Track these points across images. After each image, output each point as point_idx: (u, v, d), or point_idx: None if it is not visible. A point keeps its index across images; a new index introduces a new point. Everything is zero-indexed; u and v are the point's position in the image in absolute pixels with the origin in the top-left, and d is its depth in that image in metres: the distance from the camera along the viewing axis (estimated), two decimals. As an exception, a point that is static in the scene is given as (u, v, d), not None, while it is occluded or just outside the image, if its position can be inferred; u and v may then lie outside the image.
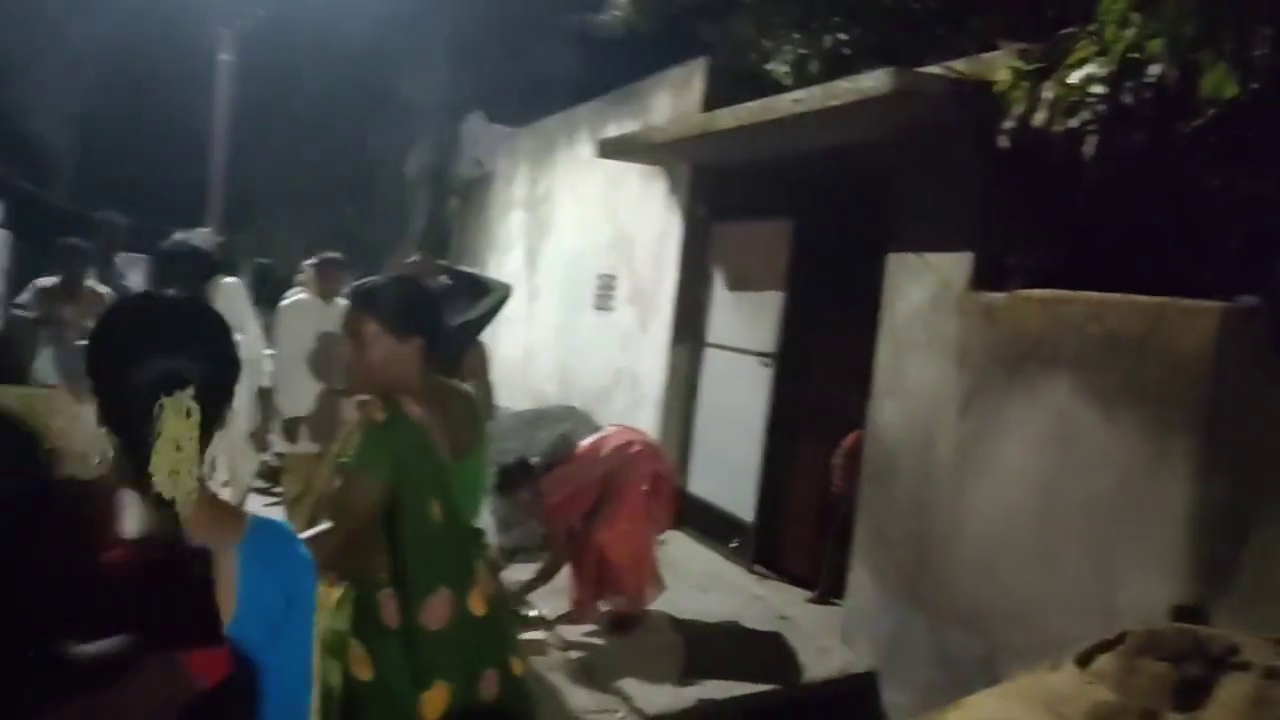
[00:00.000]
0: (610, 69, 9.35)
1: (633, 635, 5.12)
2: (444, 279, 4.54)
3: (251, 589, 1.42)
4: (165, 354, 1.36)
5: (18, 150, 17.13)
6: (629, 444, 5.37)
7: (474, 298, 4.57)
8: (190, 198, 12.60)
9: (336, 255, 6.27)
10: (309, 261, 7.45)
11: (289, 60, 12.99)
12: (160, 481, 1.28)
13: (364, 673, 2.38)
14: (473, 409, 2.83)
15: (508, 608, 2.85)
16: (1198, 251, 3.77)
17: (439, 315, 2.68)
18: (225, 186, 11.33)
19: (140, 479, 1.28)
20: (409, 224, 13.26)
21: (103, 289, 6.41)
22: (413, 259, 4.72)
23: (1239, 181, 3.54)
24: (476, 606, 2.46)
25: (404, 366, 2.51)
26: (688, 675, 4.70)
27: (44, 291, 6.16)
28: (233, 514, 1.49)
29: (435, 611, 2.37)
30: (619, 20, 6.57)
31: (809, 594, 5.78)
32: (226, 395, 1.43)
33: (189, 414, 1.33)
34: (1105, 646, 2.79)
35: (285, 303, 5.89)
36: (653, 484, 5.35)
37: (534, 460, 5.30)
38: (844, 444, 5.60)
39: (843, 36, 6.55)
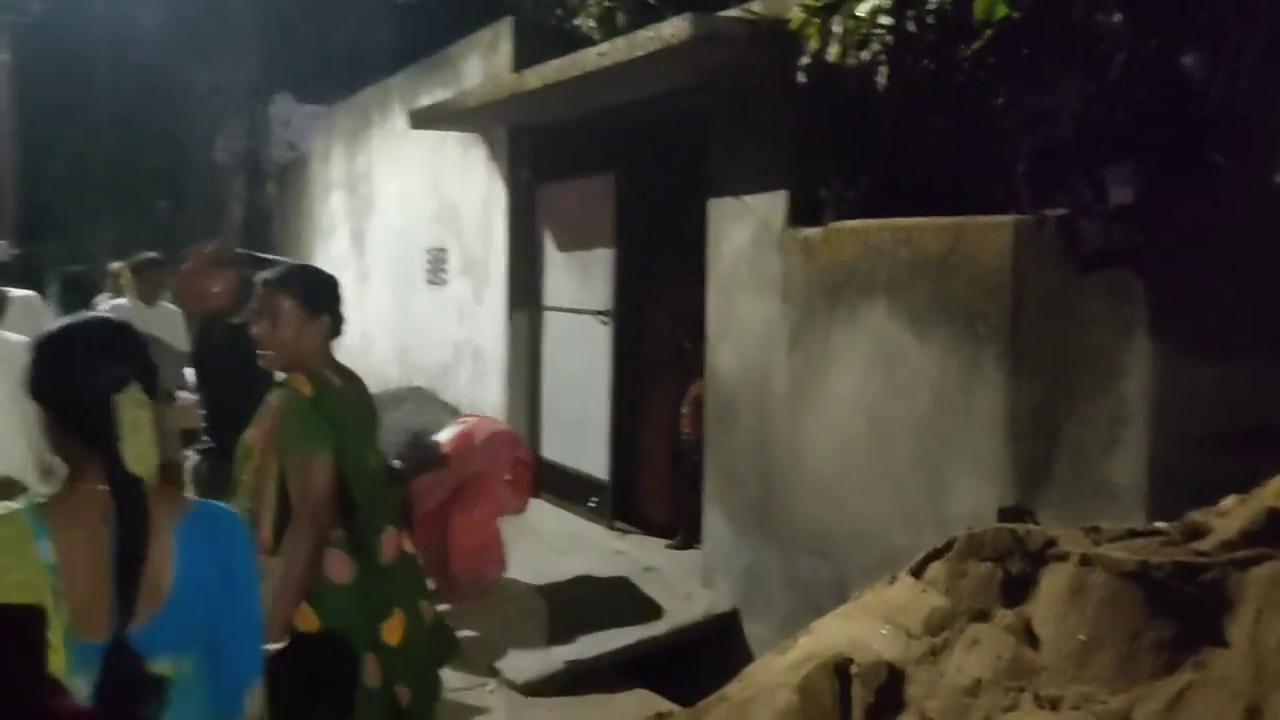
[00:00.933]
0: (421, 37, 9.13)
1: (494, 607, 5.09)
2: (241, 268, 4.34)
3: (188, 565, 1.65)
4: (111, 362, 1.66)
5: None
6: (491, 436, 5.34)
7: None
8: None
9: (154, 255, 5.97)
10: (117, 264, 7.06)
11: (77, 52, 12.19)
12: (131, 462, 1.60)
13: (308, 625, 2.57)
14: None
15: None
16: (992, 170, 3.93)
17: (341, 295, 2.90)
18: (19, 193, 10.60)
19: (112, 465, 1.60)
20: (226, 214, 12.71)
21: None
22: (210, 247, 4.51)
23: (1023, 99, 3.70)
24: (407, 544, 2.86)
25: (316, 342, 2.77)
26: (554, 639, 4.71)
27: None
28: (176, 496, 1.77)
29: (387, 548, 2.74)
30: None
31: (669, 543, 5.86)
32: (154, 389, 1.72)
33: (140, 404, 1.64)
34: (935, 555, 2.92)
35: (105, 309, 5.57)
36: (513, 471, 5.34)
37: (397, 464, 5.15)
38: (690, 392, 5.67)
39: (644, -14, 6.56)
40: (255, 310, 2.81)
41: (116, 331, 1.75)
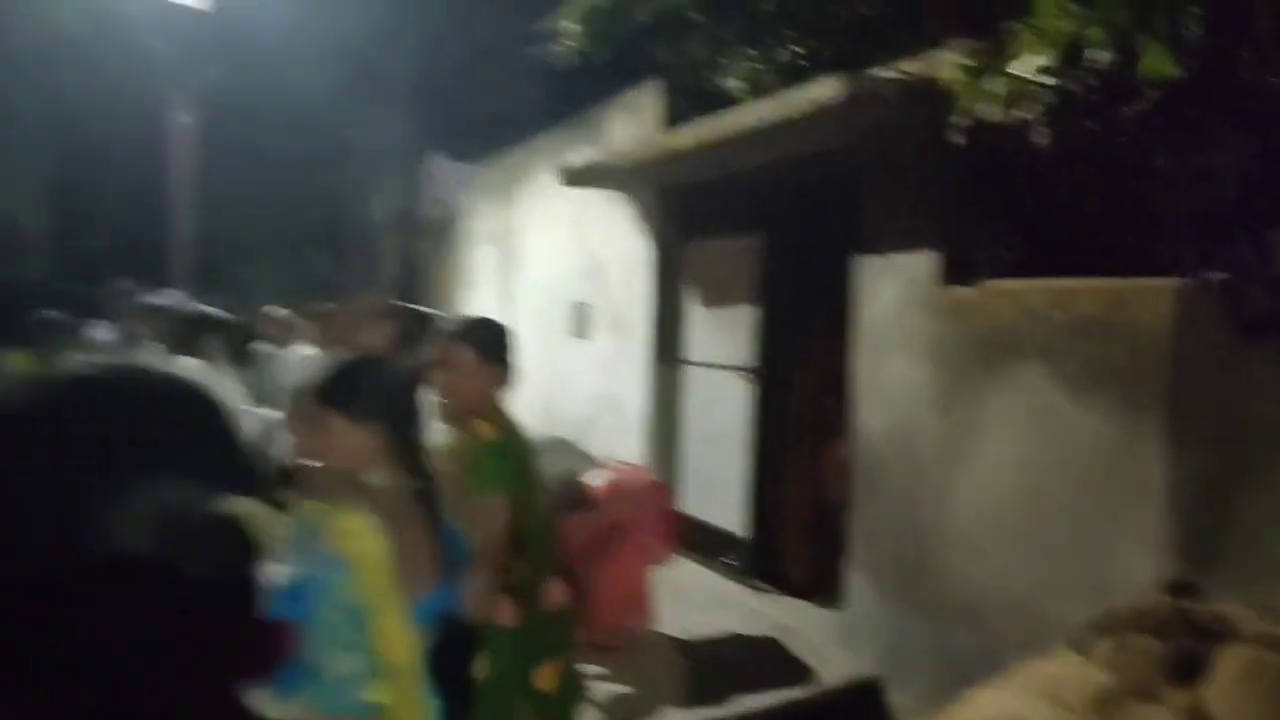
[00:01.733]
0: (571, 96, 9.41)
1: (636, 660, 5.11)
2: (395, 317, 4.55)
3: None
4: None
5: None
6: (639, 483, 5.43)
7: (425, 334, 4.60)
8: (161, 261, 12.59)
9: (333, 305, 6.28)
10: (273, 310, 7.48)
11: (248, 116, 13.01)
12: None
13: (478, 672, 2.74)
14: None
15: None
16: (1154, 232, 3.82)
17: (514, 346, 3.12)
18: (195, 247, 11.32)
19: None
20: (380, 268, 13.27)
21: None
22: (367, 298, 4.74)
23: (1187, 160, 3.59)
24: (563, 592, 2.99)
25: (491, 390, 2.97)
26: (692, 696, 4.69)
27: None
28: None
29: (551, 596, 2.88)
30: (570, 50, 6.61)
31: (810, 603, 5.78)
32: None
33: None
34: (1098, 628, 2.82)
35: (293, 355, 5.92)
36: (657, 521, 5.40)
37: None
38: (833, 451, 5.62)
39: (796, 49, 6.62)
40: (434, 360, 3.00)
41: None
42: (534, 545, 2.85)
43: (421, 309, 5.13)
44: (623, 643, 5.19)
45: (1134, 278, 3.66)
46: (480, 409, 2.94)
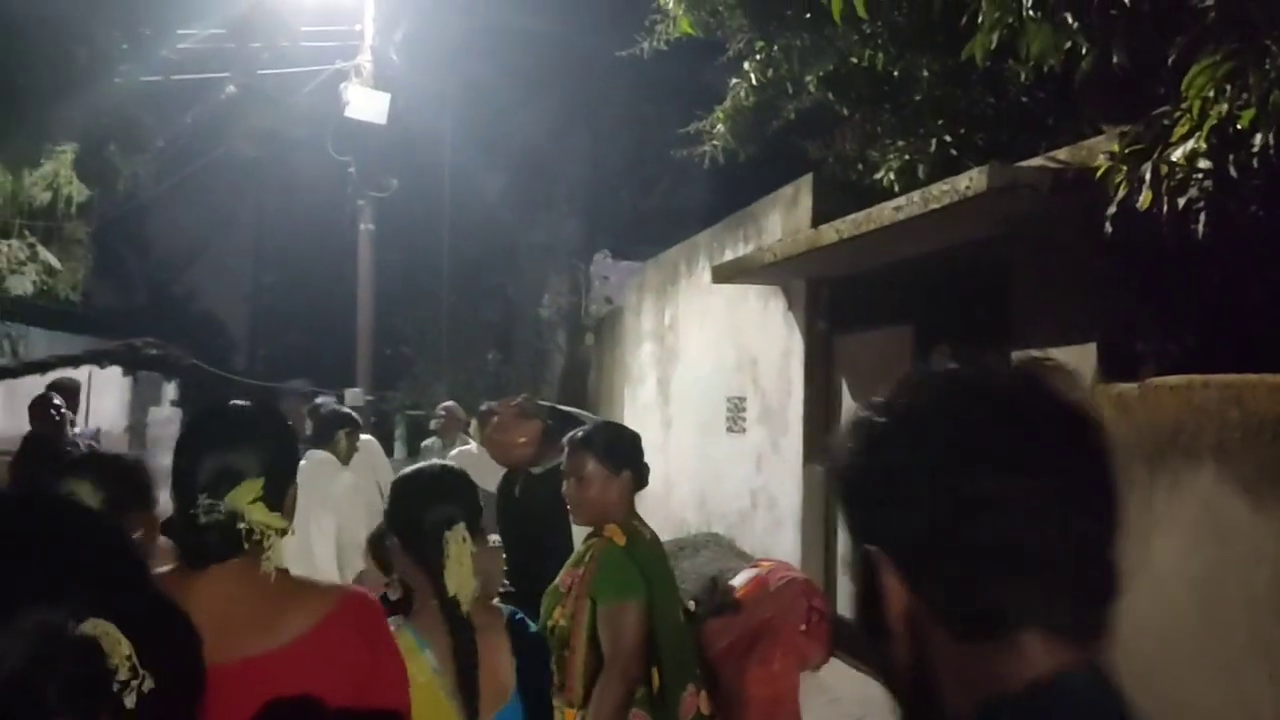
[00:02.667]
0: (731, 193, 9.54)
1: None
2: (546, 418, 4.62)
3: (520, 671, 2.12)
4: (445, 502, 2.10)
5: (193, 331, 18.57)
6: (786, 581, 5.28)
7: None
8: (347, 358, 13.35)
9: (491, 405, 6.42)
10: (442, 407, 7.73)
11: (426, 220, 13.75)
12: (452, 587, 2.00)
13: None
14: None
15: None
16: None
17: (641, 450, 3.16)
18: (376, 346, 11.94)
19: (438, 589, 2.03)
20: (548, 364, 13.63)
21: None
22: (516, 401, 4.83)
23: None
24: (704, 703, 3.02)
25: (619, 497, 2.99)
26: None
27: None
28: (493, 608, 2.23)
29: (687, 707, 2.92)
30: (717, 150, 6.71)
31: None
32: (477, 528, 2.14)
33: (464, 540, 2.05)
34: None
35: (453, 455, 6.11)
36: (809, 621, 5.21)
37: (691, 607, 5.20)
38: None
39: (947, 139, 6.52)
40: (565, 468, 3.04)
41: (453, 477, 2.21)
42: (669, 653, 2.80)
43: (567, 409, 5.20)
44: None
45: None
46: (609, 515, 2.96)
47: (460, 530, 2.06)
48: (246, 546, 1.67)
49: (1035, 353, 3.59)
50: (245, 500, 1.65)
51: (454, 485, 2.17)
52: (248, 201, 20.04)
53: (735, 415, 8.21)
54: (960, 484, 0.86)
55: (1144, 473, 3.96)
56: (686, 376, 9.53)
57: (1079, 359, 4.36)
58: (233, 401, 1.86)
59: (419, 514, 2.09)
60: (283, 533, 1.71)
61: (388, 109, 10.14)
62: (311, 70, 10.11)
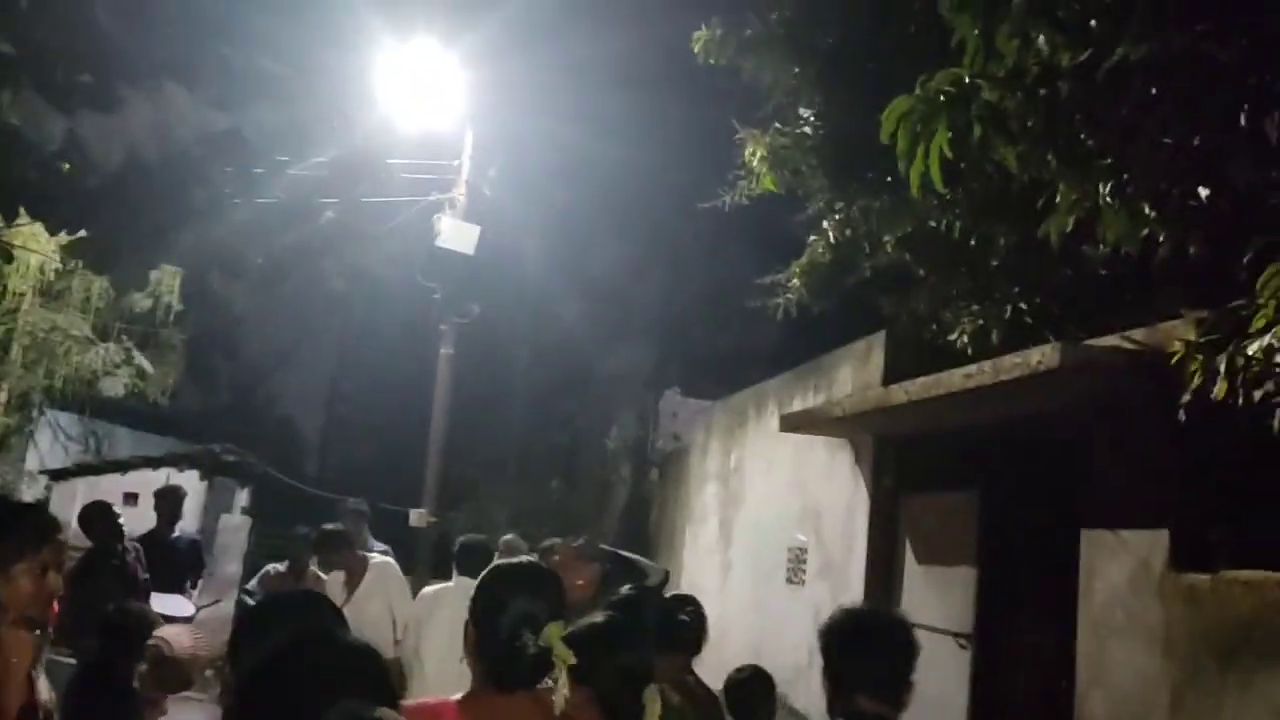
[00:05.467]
0: (802, 342, 9.63)
1: None
2: (606, 562, 4.65)
3: None
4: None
5: (271, 437, 19.01)
6: None
7: (631, 582, 4.62)
8: (415, 477, 13.50)
9: (556, 541, 6.37)
10: (507, 538, 7.75)
11: (504, 348, 14.04)
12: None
13: None
14: None
15: None
16: None
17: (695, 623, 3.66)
18: (446, 467, 12.07)
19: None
20: (611, 496, 13.62)
21: (324, 576, 6.84)
22: (577, 543, 4.86)
23: None
24: None
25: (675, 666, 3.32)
26: None
27: (271, 578, 6.62)
28: None
29: None
30: (791, 303, 6.81)
31: None
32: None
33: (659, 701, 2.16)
34: None
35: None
36: None
37: None
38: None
39: (1023, 306, 6.54)
40: None
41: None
42: None
43: (628, 555, 5.20)
44: None
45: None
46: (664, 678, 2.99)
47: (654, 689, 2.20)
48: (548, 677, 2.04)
49: (1106, 533, 3.54)
50: (554, 638, 2.04)
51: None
52: (336, 315, 20.71)
53: (796, 566, 8.10)
54: None
55: (1214, 669, 3.83)
56: (749, 522, 9.45)
57: (1150, 545, 4.27)
58: (529, 559, 2.41)
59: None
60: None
61: (477, 240, 10.52)
62: (409, 200, 10.58)
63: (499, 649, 2.09)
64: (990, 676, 5.78)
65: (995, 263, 6.71)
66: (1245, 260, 3.38)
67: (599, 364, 14.56)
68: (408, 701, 2.24)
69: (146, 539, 6.86)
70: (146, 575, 6.26)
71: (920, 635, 6.49)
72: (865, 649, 2.65)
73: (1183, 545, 4.15)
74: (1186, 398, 3.78)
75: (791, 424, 7.39)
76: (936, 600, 6.30)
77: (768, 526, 8.84)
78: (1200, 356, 3.77)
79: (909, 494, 6.84)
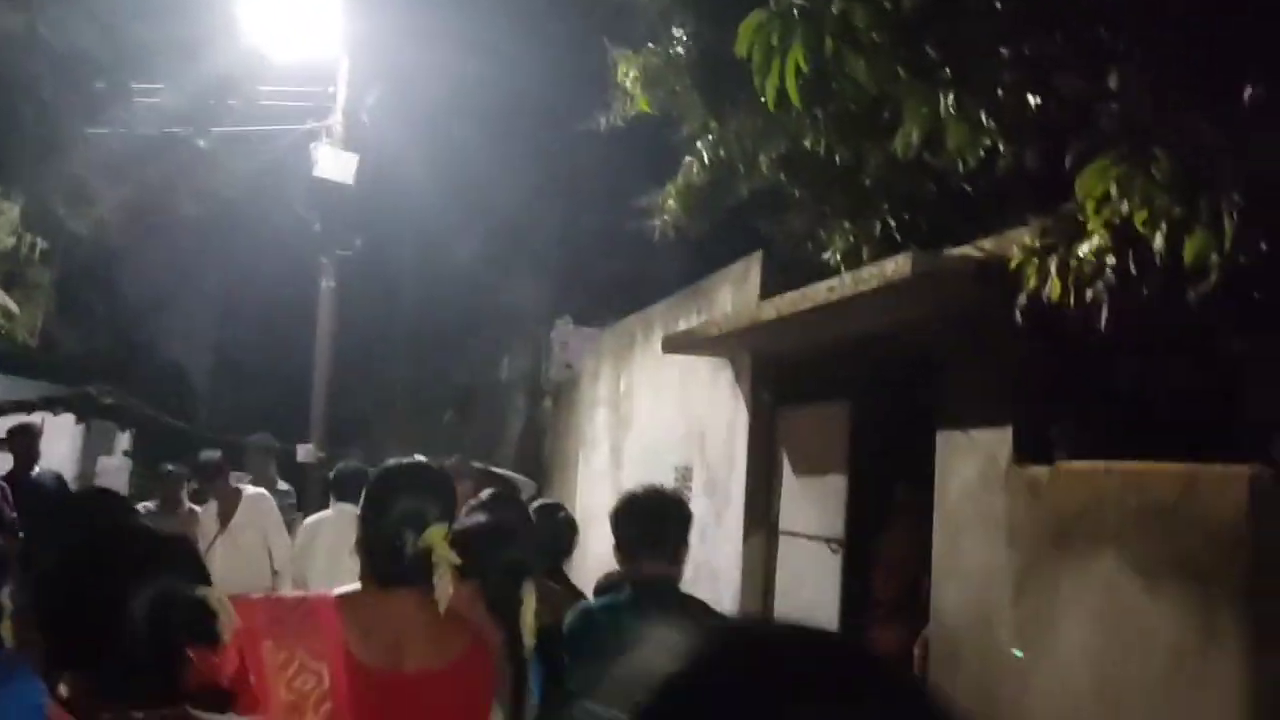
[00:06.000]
0: (691, 266, 9.71)
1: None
2: (477, 479, 4.71)
3: None
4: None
5: (156, 382, 18.47)
6: None
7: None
8: (303, 415, 13.31)
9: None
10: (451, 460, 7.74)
11: (388, 279, 13.83)
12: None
13: None
14: None
15: None
16: (1225, 415, 3.66)
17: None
18: (339, 404, 11.94)
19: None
20: (506, 427, 13.65)
21: (197, 508, 6.78)
22: (450, 460, 4.92)
23: (1260, 344, 3.47)
24: None
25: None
26: None
27: (146, 515, 6.53)
28: None
29: None
30: (668, 224, 6.87)
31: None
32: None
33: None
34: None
35: None
36: None
37: None
38: (923, 632, 5.40)
39: (891, 222, 6.71)
40: None
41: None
42: None
43: (500, 472, 5.27)
44: None
45: (1212, 462, 3.50)
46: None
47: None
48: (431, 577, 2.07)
49: (958, 434, 3.70)
50: (438, 538, 2.07)
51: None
52: (219, 253, 20.08)
53: (682, 485, 8.26)
54: None
55: (1053, 555, 4.07)
56: (638, 445, 9.59)
57: (996, 442, 4.50)
58: (419, 459, 2.39)
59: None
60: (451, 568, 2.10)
61: (355, 169, 10.31)
62: (283, 130, 10.29)
63: (381, 546, 2.12)
64: (860, 578, 6.04)
65: (866, 181, 6.86)
66: (1068, 164, 3.53)
67: (493, 296, 14.46)
68: (289, 592, 2.34)
69: (6, 479, 6.70)
70: (14, 514, 6.12)
71: (798, 543, 6.76)
72: (642, 521, 3.15)
73: (1026, 441, 4.37)
74: (1022, 300, 3.97)
75: (673, 345, 7.50)
76: (811, 509, 6.53)
77: (656, 448, 8.99)
78: (1036, 260, 3.95)
79: (785, 408, 7.03)
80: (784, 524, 6.91)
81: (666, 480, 8.47)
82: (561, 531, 4.30)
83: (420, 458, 2.35)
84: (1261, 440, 3.50)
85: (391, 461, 2.36)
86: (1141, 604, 3.58)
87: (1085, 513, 3.91)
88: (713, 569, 7.51)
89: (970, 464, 4.67)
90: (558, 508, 4.55)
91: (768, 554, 7.02)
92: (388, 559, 2.10)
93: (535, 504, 4.63)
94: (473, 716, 2.09)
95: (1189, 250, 2.98)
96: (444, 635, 2.10)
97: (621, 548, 3.21)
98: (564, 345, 12.37)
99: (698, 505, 7.89)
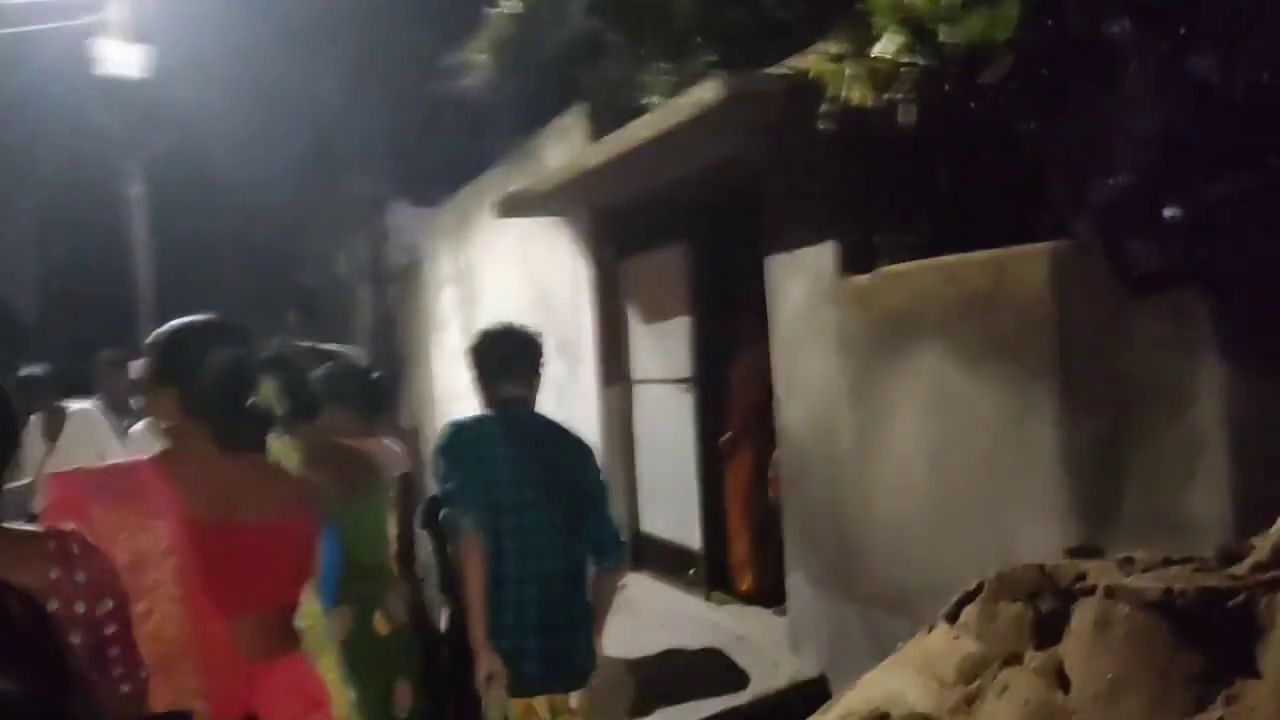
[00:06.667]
0: (522, 131, 9.47)
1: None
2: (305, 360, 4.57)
3: None
4: None
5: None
6: None
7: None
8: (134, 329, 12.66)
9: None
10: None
11: (205, 182, 13.12)
12: None
13: None
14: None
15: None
16: (1036, 198, 3.79)
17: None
18: (154, 315, 11.37)
19: None
20: (353, 320, 13.31)
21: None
22: (274, 343, 4.75)
23: (1053, 122, 3.57)
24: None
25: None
26: (638, 712, 4.64)
27: None
28: None
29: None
30: (482, 82, 6.65)
31: (763, 609, 5.71)
32: None
33: None
34: (968, 598, 2.77)
35: None
36: None
37: None
38: (775, 455, 5.57)
39: (710, 59, 6.64)
40: None
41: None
42: None
43: (330, 349, 5.12)
44: None
45: (1018, 245, 3.63)
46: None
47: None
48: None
49: (786, 256, 3.73)
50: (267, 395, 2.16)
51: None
52: (28, 175, 18.67)
53: (535, 350, 8.24)
54: None
55: (881, 357, 4.22)
56: (487, 317, 9.45)
57: (822, 257, 4.58)
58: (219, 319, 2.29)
59: None
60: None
61: (149, 62, 9.59)
62: (51, 29, 9.45)
63: (218, 408, 2.08)
64: (712, 413, 6.17)
65: (681, 19, 6.75)
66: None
67: (322, 190, 13.88)
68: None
69: None
70: None
71: (651, 389, 6.83)
72: (499, 348, 3.56)
73: (851, 254, 4.46)
74: (825, 107, 3.99)
75: (505, 209, 7.36)
76: (661, 353, 6.61)
77: (505, 319, 8.88)
78: (835, 66, 3.96)
79: (626, 260, 7.03)
80: (637, 372, 6.98)
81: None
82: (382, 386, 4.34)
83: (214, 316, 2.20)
84: (1065, 220, 3.65)
85: (186, 319, 2.20)
86: (965, 388, 3.75)
87: (908, 311, 4.04)
88: (573, 425, 7.55)
89: (799, 284, 4.76)
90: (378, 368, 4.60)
91: (624, 403, 7.11)
92: (228, 424, 2.11)
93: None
94: (305, 557, 2.20)
95: (963, 33, 3.02)
96: (270, 487, 2.17)
97: (480, 376, 3.50)
98: (401, 229, 12.03)
99: (553, 368, 7.89)
